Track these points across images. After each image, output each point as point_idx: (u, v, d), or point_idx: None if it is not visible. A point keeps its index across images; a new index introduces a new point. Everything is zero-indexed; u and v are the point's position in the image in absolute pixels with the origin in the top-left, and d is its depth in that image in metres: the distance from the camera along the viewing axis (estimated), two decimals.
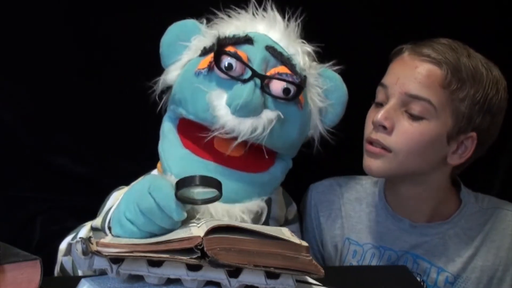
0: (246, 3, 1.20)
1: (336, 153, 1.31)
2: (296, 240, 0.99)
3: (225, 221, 1.01)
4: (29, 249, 0.94)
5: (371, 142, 1.26)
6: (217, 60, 1.11)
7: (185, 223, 1.00)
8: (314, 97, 1.17)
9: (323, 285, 1.00)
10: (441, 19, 1.55)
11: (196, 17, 1.21)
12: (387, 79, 1.28)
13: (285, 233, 1.01)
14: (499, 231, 1.34)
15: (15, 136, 1.52)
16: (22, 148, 1.53)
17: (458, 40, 1.29)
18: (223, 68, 1.10)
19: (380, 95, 1.29)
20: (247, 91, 1.06)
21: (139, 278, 0.93)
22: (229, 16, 1.20)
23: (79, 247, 0.92)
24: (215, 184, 0.97)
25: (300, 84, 1.12)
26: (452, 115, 1.23)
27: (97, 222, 1.08)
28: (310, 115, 1.18)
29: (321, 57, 1.21)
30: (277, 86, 1.11)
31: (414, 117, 1.23)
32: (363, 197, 1.40)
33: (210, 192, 0.97)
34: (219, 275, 0.93)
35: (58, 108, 1.52)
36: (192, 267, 0.92)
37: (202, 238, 0.92)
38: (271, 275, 0.93)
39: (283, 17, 1.19)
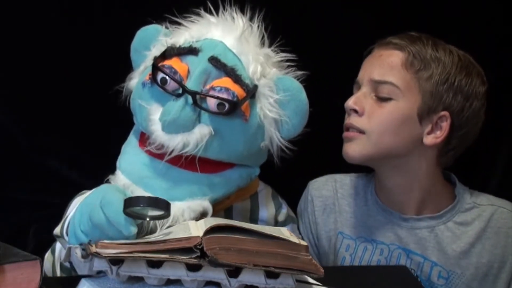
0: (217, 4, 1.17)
1: (337, 153, 1.32)
2: (295, 239, 0.99)
3: (225, 220, 1.01)
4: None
5: (347, 129, 1.31)
6: (154, 74, 1.10)
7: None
8: (265, 108, 1.11)
9: (323, 285, 1.00)
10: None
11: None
12: (359, 74, 1.34)
13: (284, 232, 1.01)
14: (494, 228, 1.34)
15: (13, 138, 1.52)
16: (19, 151, 1.54)
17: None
18: (159, 83, 1.09)
19: (355, 91, 1.34)
20: (176, 108, 1.05)
21: (139, 279, 0.93)
22: (192, 21, 1.17)
23: (78, 251, 0.92)
24: (162, 205, 0.98)
25: (234, 101, 1.07)
26: (419, 94, 1.27)
27: (57, 229, 1.09)
28: (261, 126, 1.12)
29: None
30: (211, 101, 1.07)
31: (382, 99, 1.28)
32: (357, 193, 1.43)
33: (158, 210, 0.98)
34: (219, 275, 0.93)
35: (58, 111, 1.52)
36: (192, 267, 0.92)
37: (201, 238, 0.92)
38: (271, 275, 0.93)
39: (246, 21, 1.15)
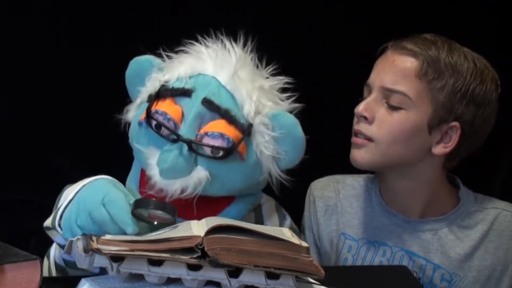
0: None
1: (339, 153, 1.32)
2: (296, 240, 0.99)
3: (226, 220, 1.01)
4: None
5: (356, 134, 1.30)
6: (148, 118, 1.10)
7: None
8: (261, 145, 1.10)
9: (324, 285, 1.00)
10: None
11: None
12: (371, 77, 1.32)
13: (285, 233, 1.01)
14: (497, 231, 1.34)
15: (16, 138, 1.52)
16: (20, 151, 1.54)
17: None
18: (154, 128, 1.09)
19: (365, 93, 1.33)
20: (171, 156, 1.06)
21: (139, 277, 0.93)
22: (186, 53, 1.16)
23: (79, 244, 0.92)
24: (169, 209, 1.00)
25: (228, 147, 1.07)
26: (431, 104, 1.26)
27: (48, 221, 1.09)
28: (259, 163, 1.11)
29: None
30: (206, 147, 1.08)
31: (393, 108, 1.27)
32: (360, 194, 1.42)
33: (164, 214, 1.00)
34: (219, 275, 0.93)
35: (59, 111, 1.53)
36: (192, 267, 0.92)
37: (203, 238, 0.92)
38: (271, 276, 0.93)
39: (238, 51, 1.13)
